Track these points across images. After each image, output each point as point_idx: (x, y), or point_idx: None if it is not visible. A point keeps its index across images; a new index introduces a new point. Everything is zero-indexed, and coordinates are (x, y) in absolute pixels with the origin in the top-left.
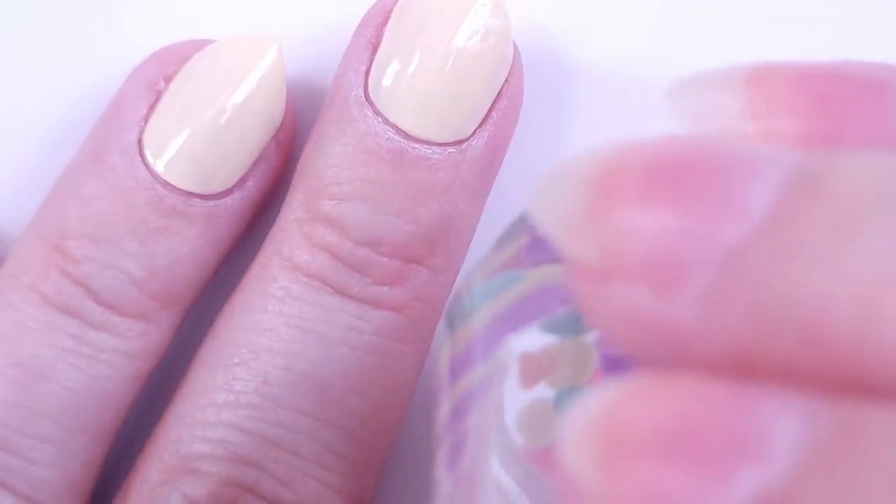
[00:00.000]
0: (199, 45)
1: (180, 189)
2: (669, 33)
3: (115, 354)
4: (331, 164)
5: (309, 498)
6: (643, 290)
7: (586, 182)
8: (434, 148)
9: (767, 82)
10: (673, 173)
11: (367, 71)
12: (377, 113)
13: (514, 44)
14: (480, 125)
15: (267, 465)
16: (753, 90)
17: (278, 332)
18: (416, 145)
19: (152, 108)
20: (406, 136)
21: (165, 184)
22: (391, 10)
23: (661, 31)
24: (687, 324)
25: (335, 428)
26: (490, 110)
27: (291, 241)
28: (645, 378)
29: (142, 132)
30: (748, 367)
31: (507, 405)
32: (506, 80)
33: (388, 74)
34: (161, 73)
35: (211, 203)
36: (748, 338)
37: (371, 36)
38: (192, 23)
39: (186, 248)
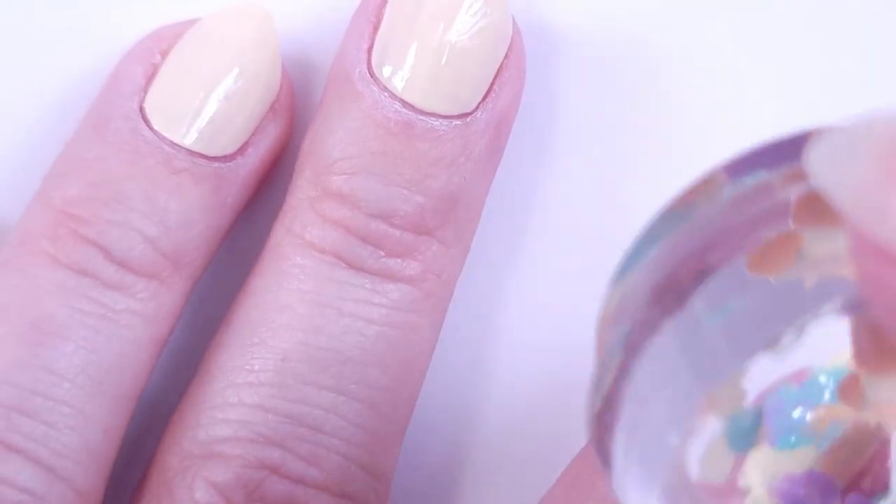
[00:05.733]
0: (192, 24)
1: (186, 149)
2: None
3: (129, 315)
4: (338, 139)
5: (334, 474)
6: None
7: (886, 151)
8: (441, 120)
9: None
10: None
11: (370, 49)
12: (383, 88)
13: (513, 18)
14: (484, 98)
15: (290, 443)
16: None
17: (294, 308)
18: (424, 117)
19: (150, 79)
20: (413, 108)
21: (172, 144)
22: None
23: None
24: None
25: (357, 401)
26: (492, 83)
27: (303, 219)
28: None
29: (142, 101)
30: None
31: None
32: (506, 54)
33: (392, 50)
34: (156, 46)
35: (215, 164)
36: None
37: (371, 14)
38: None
39: (196, 210)
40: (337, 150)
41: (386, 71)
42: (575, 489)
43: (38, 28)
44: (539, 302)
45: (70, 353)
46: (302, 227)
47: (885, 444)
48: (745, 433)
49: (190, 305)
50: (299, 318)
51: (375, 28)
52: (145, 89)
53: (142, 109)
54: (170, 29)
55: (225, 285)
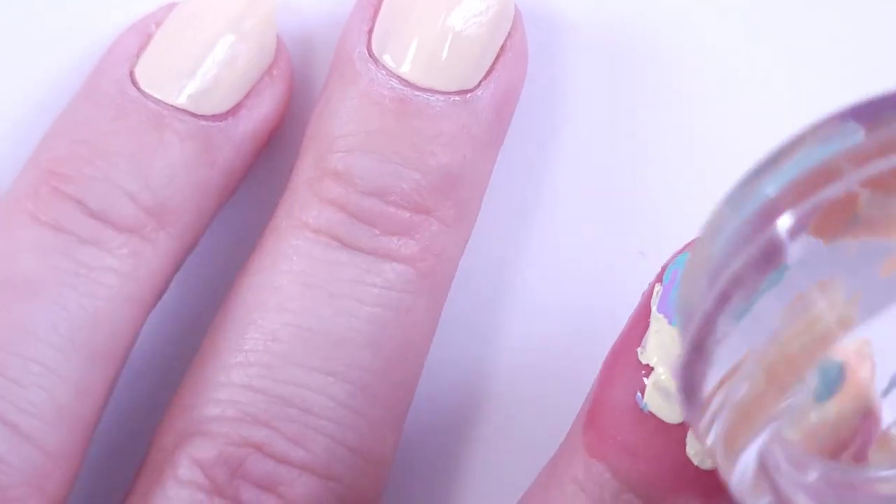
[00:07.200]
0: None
1: (172, 106)
2: None
3: (107, 273)
4: (337, 120)
5: (321, 455)
6: None
7: None
8: (437, 96)
9: None
10: None
11: (371, 30)
12: (381, 67)
13: (516, 3)
14: (485, 77)
15: (277, 423)
16: None
17: (285, 289)
18: (420, 93)
19: (143, 47)
20: (409, 84)
21: (157, 101)
22: None
23: None
24: None
25: (347, 383)
26: (494, 63)
27: (302, 201)
28: None
29: (133, 66)
30: None
31: None
32: (508, 34)
33: (394, 31)
34: (151, 20)
35: (203, 123)
36: None
37: None
38: None
39: (181, 166)
40: (336, 130)
41: (383, 49)
42: (555, 476)
43: (39, 27)
44: (543, 290)
45: (42, 311)
46: (301, 208)
47: (870, 418)
48: (832, 383)
49: (195, 288)
50: (290, 299)
51: (377, 10)
52: (137, 56)
53: (132, 74)
54: (168, 8)
55: (231, 270)
